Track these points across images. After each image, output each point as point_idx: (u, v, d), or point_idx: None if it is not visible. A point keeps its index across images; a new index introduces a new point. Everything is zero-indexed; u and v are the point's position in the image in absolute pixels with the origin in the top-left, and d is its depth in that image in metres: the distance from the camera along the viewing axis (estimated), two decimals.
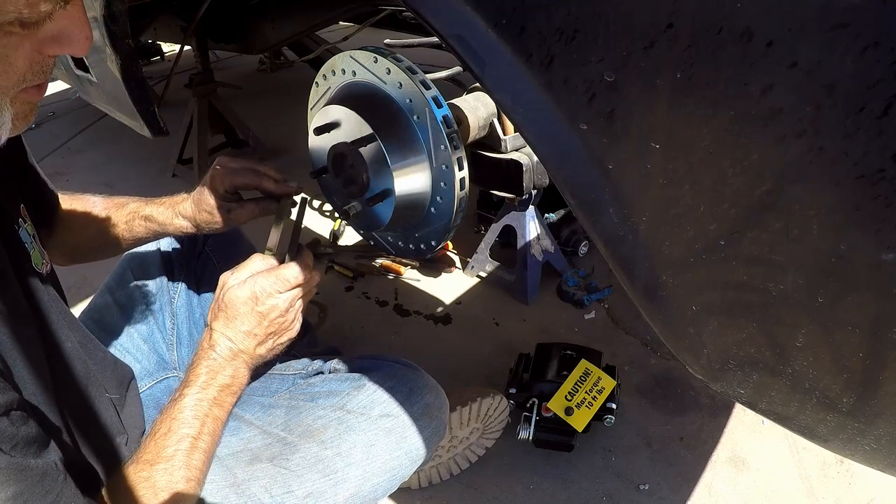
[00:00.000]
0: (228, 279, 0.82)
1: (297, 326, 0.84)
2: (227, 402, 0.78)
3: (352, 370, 0.97)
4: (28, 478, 0.52)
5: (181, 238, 1.14)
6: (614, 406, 1.16)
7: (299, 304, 0.83)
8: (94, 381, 0.76)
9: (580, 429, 1.10)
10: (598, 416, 1.14)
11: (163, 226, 0.99)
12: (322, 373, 0.99)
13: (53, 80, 4.10)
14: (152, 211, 0.99)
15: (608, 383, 1.15)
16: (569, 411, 1.09)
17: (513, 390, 1.22)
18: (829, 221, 0.40)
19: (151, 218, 0.98)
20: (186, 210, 0.98)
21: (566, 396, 1.11)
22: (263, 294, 0.79)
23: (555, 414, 1.13)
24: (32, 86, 0.53)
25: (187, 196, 0.99)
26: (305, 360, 1.03)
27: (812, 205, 0.40)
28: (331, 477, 0.82)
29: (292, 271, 0.81)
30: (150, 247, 1.12)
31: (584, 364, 1.16)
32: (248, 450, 0.84)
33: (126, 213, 0.98)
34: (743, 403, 0.59)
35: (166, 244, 1.14)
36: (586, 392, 1.13)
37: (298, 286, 0.82)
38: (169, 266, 1.12)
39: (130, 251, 1.10)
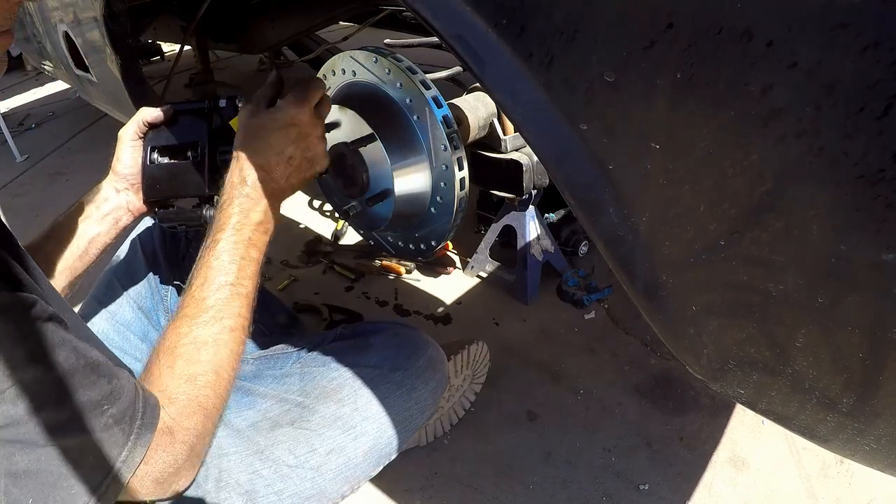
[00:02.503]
0: (248, 112, 0.79)
1: (324, 159, 0.82)
2: (262, 241, 0.74)
3: (356, 334, 1.03)
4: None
5: (164, 242, 1.14)
6: None
7: (321, 131, 0.81)
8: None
9: None
10: None
11: (96, 208, 0.90)
12: (325, 342, 1.04)
13: (53, 80, 4.09)
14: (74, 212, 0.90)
15: None
16: None
17: None
18: (829, 221, 0.40)
19: (76, 217, 0.90)
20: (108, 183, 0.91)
21: None
22: (291, 108, 0.77)
23: None
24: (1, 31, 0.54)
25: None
26: (306, 339, 1.07)
27: (812, 205, 0.40)
28: (350, 432, 0.88)
29: (312, 84, 0.80)
30: (132, 251, 1.12)
31: None
32: (267, 419, 0.88)
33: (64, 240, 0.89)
34: (743, 403, 0.59)
35: (149, 246, 1.13)
36: None
37: (316, 101, 0.80)
38: (156, 268, 1.12)
39: (113, 261, 1.11)
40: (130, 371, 0.62)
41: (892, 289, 0.39)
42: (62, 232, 0.88)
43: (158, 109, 0.90)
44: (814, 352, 0.46)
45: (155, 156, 0.88)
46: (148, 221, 1.15)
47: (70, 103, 3.84)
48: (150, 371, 0.65)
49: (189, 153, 0.88)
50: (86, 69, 1.78)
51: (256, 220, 0.73)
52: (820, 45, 0.36)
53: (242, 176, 0.74)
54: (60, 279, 0.87)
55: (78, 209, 0.90)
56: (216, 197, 0.80)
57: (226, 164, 0.82)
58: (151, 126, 0.90)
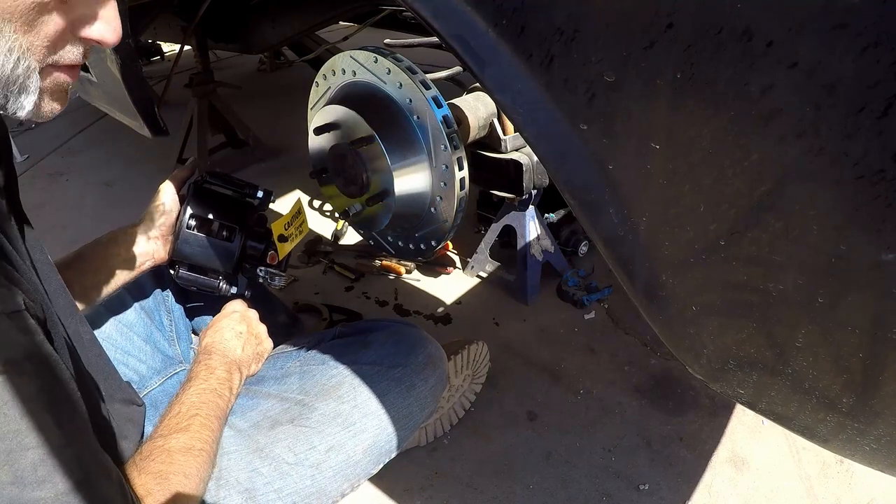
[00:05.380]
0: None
1: (269, 343, 0.99)
2: (225, 395, 0.85)
3: (355, 332, 1.04)
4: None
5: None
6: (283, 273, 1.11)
7: (260, 325, 1.00)
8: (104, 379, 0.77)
9: (281, 258, 1.08)
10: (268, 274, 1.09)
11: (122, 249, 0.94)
12: (324, 340, 1.05)
13: None
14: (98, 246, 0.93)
15: (306, 228, 1.12)
16: (281, 238, 1.07)
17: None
18: (829, 221, 0.40)
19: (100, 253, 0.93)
20: (136, 228, 0.96)
21: (285, 225, 1.07)
22: (233, 304, 1.00)
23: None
24: (64, 64, 0.53)
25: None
26: (306, 338, 1.07)
27: (812, 205, 0.40)
28: (350, 429, 0.88)
29: (235, 305, 1.02)
30: None
31: (299, 204, 1.11)
32: (267, 418, 0.89)
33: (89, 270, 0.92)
34: (743, 403, 0.59)
35: None
36: (294, 228, 1.09)
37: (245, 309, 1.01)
38: (158, 269, 1.12)
39: None
40: (119, 473, 0.62)
41: (892, 289, 0.39)
42: (85, 263, 0.91)
43: (188, 166, 1.03)
44: (814, 352, 0.46)
45: (193, 223, 0.96)
46: None
47: (70, 103, 3.84)
48: (128, 475, 0.67)
49: (224, 233, 0.99)
50: (86, 69, 1.78)
51: (221, 376, 0.86)
52: (820, 45, 0.36)
53: (208, 351, 0.91)
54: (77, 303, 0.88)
55: (105, 245, 0.93)
56: (238, 277, 1.04)
57: (253, 251, 1.03)
58: (196, 188, 0.99)
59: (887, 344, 0.41)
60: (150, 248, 0.96)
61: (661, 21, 0.42)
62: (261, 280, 1.04)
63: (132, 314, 1.04)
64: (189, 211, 0.96)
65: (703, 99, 0.42)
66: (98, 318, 1.03)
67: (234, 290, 1.02)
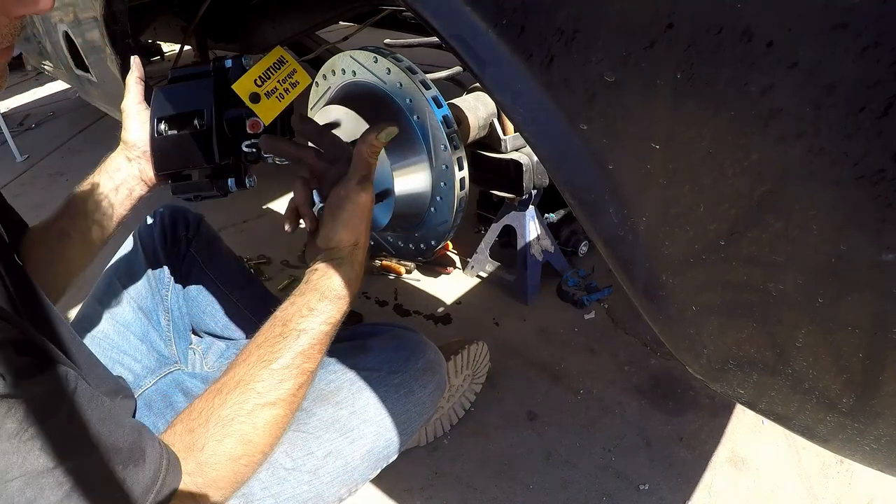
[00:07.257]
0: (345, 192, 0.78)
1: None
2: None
3: (354, 337, 1.03)
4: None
5: (165, 243, 1.14)
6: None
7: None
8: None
9: (267, 121, 0.88)
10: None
11: (110, 180, 0.90)
12: None
13: (53, 80, 4.09)
14: (91, 185, 0.90)
15: (303, 79, 0.90)
16: (254, 98, 0.85)
17: None
18: (829, 221, 0.40)
19: (93, 192, 0.89)
20: (119, 155, 0.91)
21: (256, 81, 0.85)
22: (369, 188, 0.80)
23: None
24: (2, 49, 0.56)
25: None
26: None
27: (812, 205, 0.40)
28: (347, 435, 0.88)
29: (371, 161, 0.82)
30: (133, 251, 1.12)
31: (279, 51, 0.90)
32: None
33: (78, 214, 0.89)
34: (743, 403, 0.59)
35: (150, 246, 1.14)
36: (278, 82, 0.88)
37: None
38: (157, 268, 1.12)
39: (114, 260, 1.11)
40: (150, 433, 0.61)
41: (893, 289, 0.39)
42: (76, 206, 0.88)
43: (132, 66, 0.90)
44: (814, 352, 0.46)
45: (162, 127, 0.85)
46: (149, 219, 1.16)
47: (70, 103, 3.85)
48: (195, 433, 0.64)
49: (196, 121, 0.84)
50: (86, 69, 1.78)
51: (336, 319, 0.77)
52: (820, 45, 0.36)
53: (357, 272, 0.76)
54: (79, 251, 0.87)
55: (91, 182, 0.90)
56: (227, 164, 0.84)
57: (235, 126, 0.84)
58: (160, 91, 0.87)
59: (887, 344, 0.41)
60: (134, 170, 0.90)
61: (661, 21, 0.42)
62: (250, 156, 0.86)
63: (129, 313, 1.04)
64: (155, 117, 0.85)
65: (703, 99, 0.42)
66: (95, 316, 1.03)
67: (230, 184, 0.88)
